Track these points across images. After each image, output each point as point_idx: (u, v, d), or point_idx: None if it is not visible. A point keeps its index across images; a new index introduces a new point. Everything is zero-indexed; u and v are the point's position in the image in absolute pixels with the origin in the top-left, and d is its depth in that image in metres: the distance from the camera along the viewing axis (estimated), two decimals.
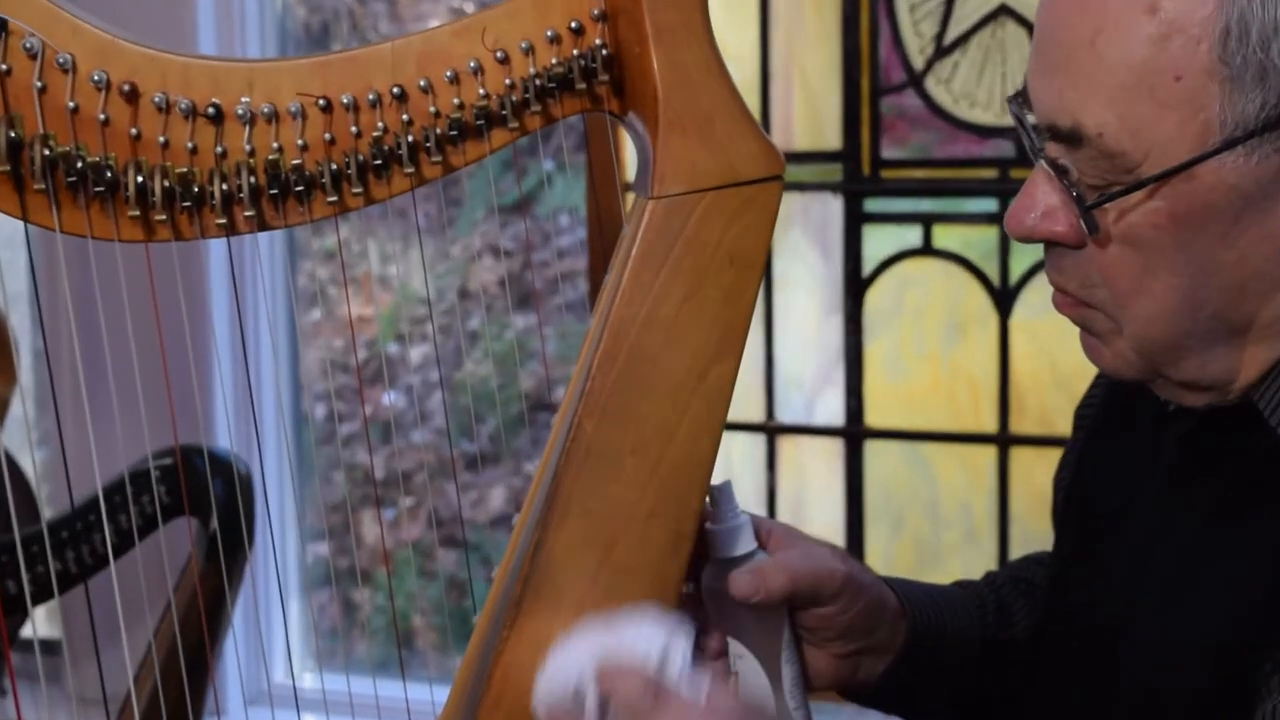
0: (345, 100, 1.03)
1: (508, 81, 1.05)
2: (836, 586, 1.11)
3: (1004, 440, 2.30)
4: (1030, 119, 0.96)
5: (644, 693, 0.95)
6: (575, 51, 1.06)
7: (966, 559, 2.33)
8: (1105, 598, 1.06)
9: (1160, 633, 0.99)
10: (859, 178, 2.33)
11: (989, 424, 2.31)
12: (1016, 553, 2.28)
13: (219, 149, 1.02)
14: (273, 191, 1.03)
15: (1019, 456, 2.30)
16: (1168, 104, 0.88)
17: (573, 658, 0.99)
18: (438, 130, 1.04)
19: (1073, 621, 1.10)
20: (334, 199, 1.04)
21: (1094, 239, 0.93)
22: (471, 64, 1.05)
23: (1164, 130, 0.89)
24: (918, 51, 2.28)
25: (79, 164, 1.00)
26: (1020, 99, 0.98)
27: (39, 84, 0.99)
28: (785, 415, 2.39)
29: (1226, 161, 0.89)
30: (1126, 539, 1.06)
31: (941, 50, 2.26)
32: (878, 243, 2.34)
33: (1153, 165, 0.90)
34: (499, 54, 1.05)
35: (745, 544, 1.10)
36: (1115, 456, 1.12)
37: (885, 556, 2.37)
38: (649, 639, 0.98)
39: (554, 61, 1.05)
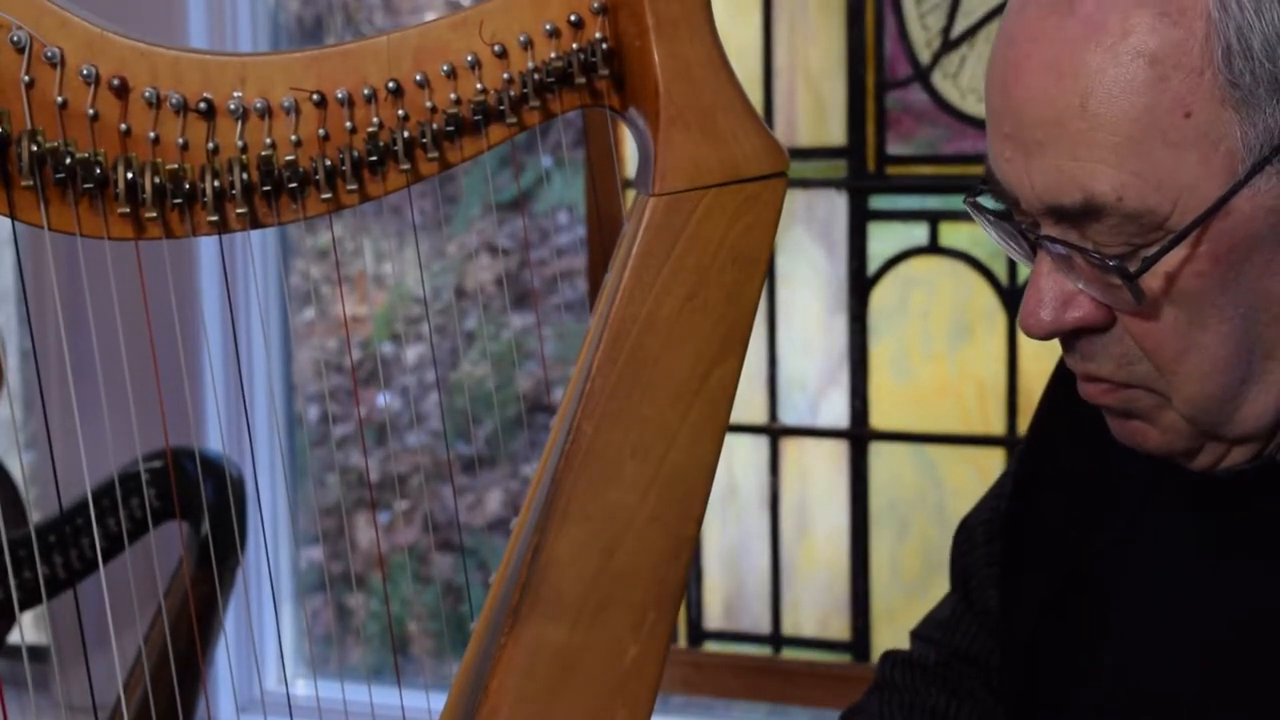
0: (340, 95, 1.02)
1: (505, 76, 1.04)
2: None
3: (1012, 443, 2.28)
4: (999, 210, 0.90)
5: None
6: (574, 45, 1.05)
7: None
8: (1120, 634, 1.02)
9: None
10: (864, 174, 2.31)
11: (997, 426, 2.29)
12: None
13: (211, 145, 1.01)
14: (266, 188, 1.02)
15: None
16: (1183, 144, 0.83)
17: None
18: (434, 126, 1.03)
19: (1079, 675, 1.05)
20: (328, 196, 1.03)
21: (1136, 309, 0.87)
22: (469, 58, 1.04)
23: (1187, 173, 0.83)
24: (924, 45, 2.26)
25: (67, 160, 0.98)
26: (982, 199, 0.92)
27: (26, 78, 0.97)
28: (788, 417, 2.37)
29: (1260, 186, 0.83)
30: (1134, 571, 1.02)
31: (948, 44, 2.24)
32: (883, 240, 2.32)
33: (1183, 213, 0.84)
34: (496, 48, 1.04)
35: None
36: (1089, 479, 1.07)
37: (891, 562, 2.35)
38: None
39: (553, 56, 1.05)
